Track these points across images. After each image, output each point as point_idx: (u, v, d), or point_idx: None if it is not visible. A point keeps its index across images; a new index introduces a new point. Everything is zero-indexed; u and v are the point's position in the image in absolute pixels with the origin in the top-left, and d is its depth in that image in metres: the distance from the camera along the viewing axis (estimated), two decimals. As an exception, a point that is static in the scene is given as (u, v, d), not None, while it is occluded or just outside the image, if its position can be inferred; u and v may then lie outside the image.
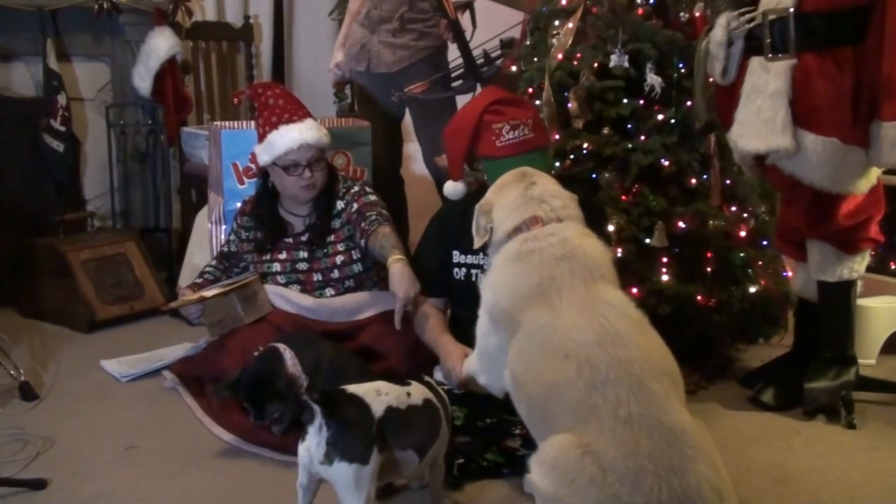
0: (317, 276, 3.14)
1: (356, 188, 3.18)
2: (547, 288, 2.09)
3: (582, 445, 1.86)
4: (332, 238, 3.15)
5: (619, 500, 1.81)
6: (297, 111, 3.09)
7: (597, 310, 2.04)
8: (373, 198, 3.16)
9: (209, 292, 3.02)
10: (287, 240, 3.17)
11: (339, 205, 3.16)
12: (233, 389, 2.59)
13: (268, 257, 3.18)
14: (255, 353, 2.72)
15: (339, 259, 3.14)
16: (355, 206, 3.13)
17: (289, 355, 2.64)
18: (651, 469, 1.82)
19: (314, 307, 3.08)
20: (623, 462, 1.83)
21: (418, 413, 2.17)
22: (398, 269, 2.79)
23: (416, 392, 2.21)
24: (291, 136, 3.03)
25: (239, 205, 3.38)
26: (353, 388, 2.14)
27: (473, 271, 2.79)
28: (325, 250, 3.14)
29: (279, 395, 2.53)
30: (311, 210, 3.17)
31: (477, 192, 2.89)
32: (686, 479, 1.82)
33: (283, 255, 3.16)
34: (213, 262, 3.33)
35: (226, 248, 3.32)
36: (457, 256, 2.82)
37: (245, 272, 3.19)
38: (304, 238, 3.16)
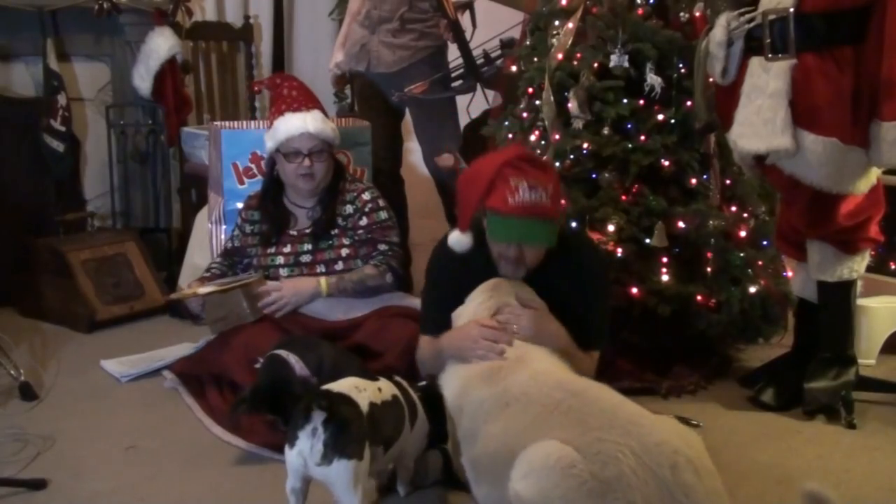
0: (320, 268, 3.14)
1: (368, 196, 3.19)
2: (492, 373, 2.24)
3: (550, 441, 1.92)
4: (336, 231, 3.17)
5: (596, 477, 1.83)
6: (307, 102, 3.14)
7: (534, 367, 2.23)
8: (384, 215, 3.19)
9: (207, 288, 3.04)
10: (291, 233, 3.18)
11: (348, 209, 3.18)
12: (251, 404, 2.54)
13: (272, 250, 3.19)
14: (257, 365, 2.70)
15: (344, 252, 3.16)
16: (365, 220, 3.16)
17: (293, 360, 2.63)
18: (609, 439, 1.88)
19: (312, 305, 3.08)
20: (582, 440, 1.89)
21: (388, 408, 2.22)
22: (306, 286, 3.04)
23: (386, 388, 2.27)
24: (294, 123, 3.08)
25: (240, 204, 3.39)
26: (337, 387, 2.16)
27: None
28: (330, 242, 3.16)
29: (298, 398, 2.49)
30: (316, 204, 3.18)
31: (483, 244, 2.62)
32: (644, 441, 1.88)
33: (287, 249, 3.18)
34: (219, 259, 3.35)
35: (229, 245, 3.33)
36: None
37: (249, 269, 3.20)
38: (308, 231, 3.17)
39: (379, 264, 3.12)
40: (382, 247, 3.15)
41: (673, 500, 1.83)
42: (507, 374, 2.22)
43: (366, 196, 3.19)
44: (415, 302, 3.12)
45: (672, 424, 2.01)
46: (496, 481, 2.04)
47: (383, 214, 3.20)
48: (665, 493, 1.83)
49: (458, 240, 2.58)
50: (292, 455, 2.06)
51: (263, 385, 2.50)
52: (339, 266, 3.15)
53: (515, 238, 2.46)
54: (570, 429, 1.93)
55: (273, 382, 2.51)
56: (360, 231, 3.16)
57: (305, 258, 3.15)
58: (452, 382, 2.36)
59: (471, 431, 2.20)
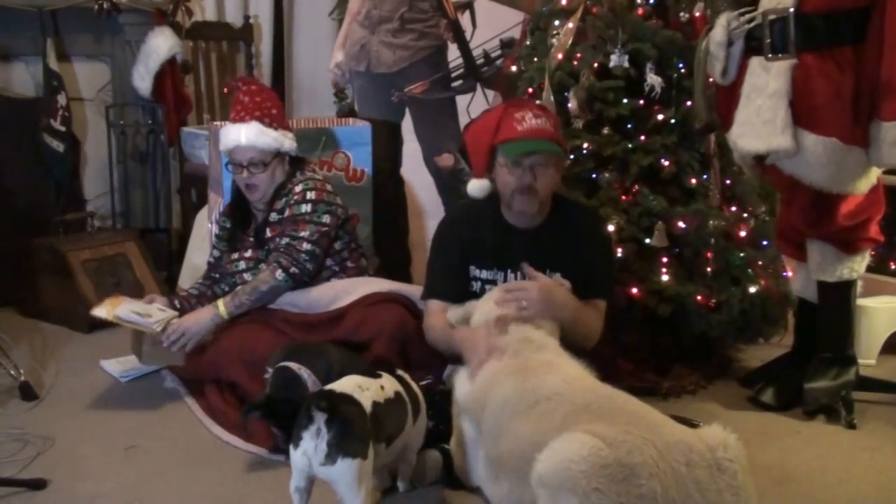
0: None
1: (299, 189, 3.10)
2: (520, 371, 2.25)
3: (578, 432, 1.96)
4: (269, 234, 3.13)
5: (620, 462, 1.88)
6: (251, 112, 3.08)
7: (565, 372, 2.26)
8: (305, 208, 3.06)
9: (124, 312, 3.01)
10: (250, 238, 3.18)
11: (282, 201, 3.12)
12: (265, 413, 2.55)
13: (235, 256, 3.19)
14: (267, 376, 2.67)
15: None
16: (287, 212, 3.09)
17: (306, 374, 2.59)
18: (634, 432, 1.94)
19: (293, 300, 3.07)
20: (609, 430, 1.94)
21: (391, 406, 2.23)
22: (204, 314, 3.00)
23: (388, 385, 2.28)
24: (231, 136, 3.08)
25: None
26: (340, 387, 2.17)
27: (488, 286, 2.75)
28: (268, 246, 3.13)
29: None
30: (265, 208, 3.17)
31: (489, 202, 2.80)
32: (665, 438, 1.95)
33: (248, 254, 3.17)
34: (199, 281, 3.31)
35: (211, 259, 3.32)
36: (473, 271, 2.79)
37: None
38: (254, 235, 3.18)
39: (270, 261, 3.04)
40: (283, 241, 3.05)
41: (687, 495, 1.90)
42: (538, 374, 2.23)
43: (297, 188, 3.10)
44: (399, 286, 3.10)
45: (713, 430, 2.06)
46: (521, 478, 2.05)
47: (304, 207, 3.06)
48: (681, 486, 1.90)
49: (478, 185, 2.76)
50: (297, 455, 2.06)
51: (278, 399, 2.49)
52: None
53: (530, 148, 2.59)
54: (598, 423, 1.98)
55: (287, 401, 2.47)
56: (281, 223, 3.10)
57: (263, 265, 3.13)
58: (476, 377, 2.35)
59: (495, 427, 2.20)
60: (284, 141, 3.11)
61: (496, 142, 2.64)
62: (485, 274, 2.77)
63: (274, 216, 3.13)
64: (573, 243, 2.70)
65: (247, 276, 3.15)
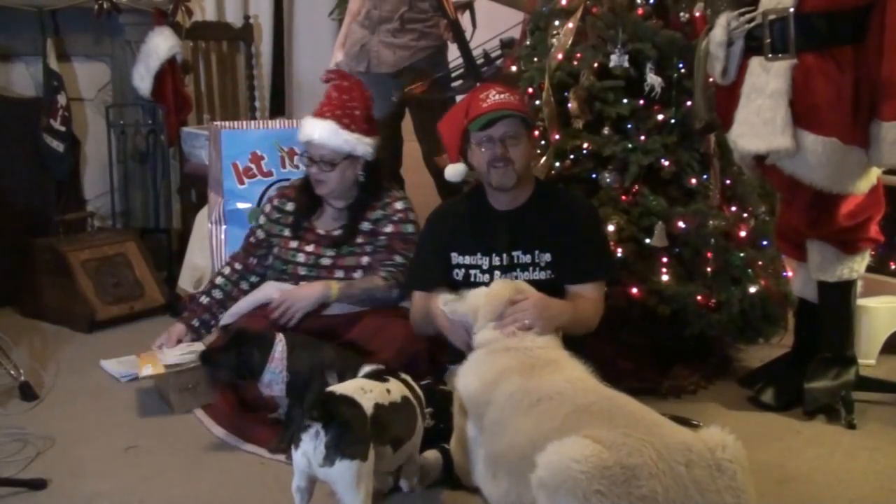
0: (339, 273, 3.08)
1: (400, 206, 3.12)
2: (526, 369, 2.25)
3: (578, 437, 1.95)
4: (360, 240, 3.11)
5: (621, 464, 1.87)
6: (332, 109, 3.08)
7: (569, 373, 2.27)
8: (410, 229, 3.10)
9: (171, 361, 2.96)
10: (319, 231, 3.13)
11: (378, 213, 3.11)
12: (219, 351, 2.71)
13: (295, 245, 3.14)
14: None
15: (364, 260, 3.09)
16: (390, 227, 3.09)
17: (280, 347, 2.66)
18: (634, 434, 1.94)
19: None
20: (609, 434, 1.93)
21: (396, 409, 2.24)
22: (315, 289, 2.99)
23: (395, 389, 2.29)
24: (306, 130, 3.07)
25: (240, 204, 3.34)
26: (341, 389, 2.18)
27: (472, 271, 2.78)
28: (353, 249, 3.10)
29: (220, 367, 2.71)
30: (345, 208, 3.13)
31: (474, 190, 2.88)
32: (665, 439, 1.95)
33: (309, 248, 3.12)
34: (227, 271, 3.23)
35: (252, 239, 3.23)
36: (455, 258, 2.81)
37: (257, 287, 3.16)
38: (333, 234, 3.12)
39: (388, 277, 3.04)
40: (398, 258, 3.07)
41: (687, 496, 1.90)
42: (543, 373, 2.24)
43: (398, 205, 3.12)
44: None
45: (712, 431, 2.05)
46: (520, 477, 2.05)
47: (410, 228, 3.10)
48: (681, 487, 1.90)
49: (454, 170, 2.82)
50: (297, 455, 2.09)
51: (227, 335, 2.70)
52: (358, 274, 3.08)
53: (494, 117, 2.64)
54: (598, 426, 1.98)
55: (233, 340, 2.70)
56: (383, 237, 3.09)
57: (326, 261, 3.09)
58: (480, 374, 2.34)
59: (498, 424, 2.20)
60: (358, 145, 3.07)
61: (467, 124, 2.71)
62: (467, 259, 2.78)
63: (366, 225, 3.11)
64: (558, 223, 2.69)
65: (301, 270, 3.10)
